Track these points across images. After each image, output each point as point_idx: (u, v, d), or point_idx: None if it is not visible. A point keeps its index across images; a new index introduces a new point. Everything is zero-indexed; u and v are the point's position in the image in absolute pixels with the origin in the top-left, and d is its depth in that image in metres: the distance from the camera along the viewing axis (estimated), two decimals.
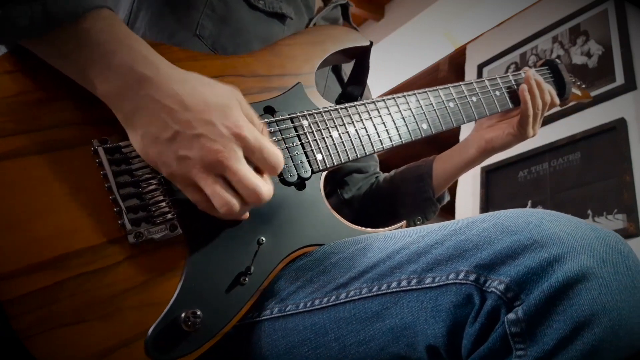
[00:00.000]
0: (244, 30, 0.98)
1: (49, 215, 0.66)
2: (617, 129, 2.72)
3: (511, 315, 0.54)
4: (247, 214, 0.76)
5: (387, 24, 3.93)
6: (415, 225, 1.27)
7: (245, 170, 0.69)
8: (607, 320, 0.53)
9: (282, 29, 1.05)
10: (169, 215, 0.73)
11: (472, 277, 0.59)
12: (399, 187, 1.30)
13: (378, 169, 1.41)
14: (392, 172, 1.36)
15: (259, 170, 0.72)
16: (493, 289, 0.56)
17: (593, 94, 2.87)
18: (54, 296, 0.64)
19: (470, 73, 3.84)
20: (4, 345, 0.64)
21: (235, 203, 0.69)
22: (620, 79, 2.84)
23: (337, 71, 1.22)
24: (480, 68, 3.76)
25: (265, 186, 0.70)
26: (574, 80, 1.39)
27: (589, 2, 3.23)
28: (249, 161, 0.70)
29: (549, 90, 1.28)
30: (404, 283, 0.66)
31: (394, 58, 3.95)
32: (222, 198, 0.68)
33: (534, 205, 3.00)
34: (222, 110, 0.69)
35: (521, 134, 1.24)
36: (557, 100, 1.31)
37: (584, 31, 3.20)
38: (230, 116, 0.69)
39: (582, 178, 2.81)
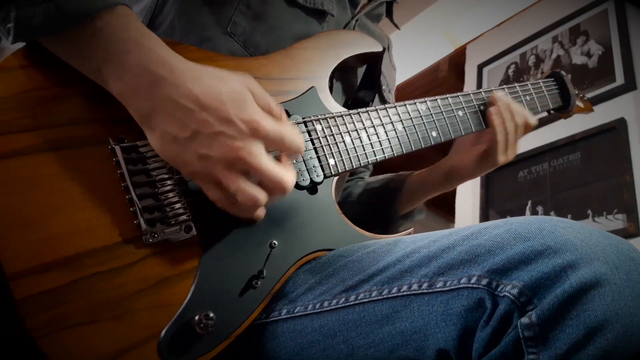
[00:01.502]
0: (278, 27, 0.98)
1: (63, 214, 0.67)
2: (617, 129, 2.72)
3: (524, 320, 0.55)
4: (263, 213, 0.77)
5: (387, 24, 3.92)
6: None
7: (268, 164, 0.69)
8: (620, 326, 0.53)
9: (320, 28, 1.04)
10: (184, 217, 0.73)
11: (484, 281, 0.60)
12: (369, 199, 1.30)
13: (365, 174, 1.40)
14: (372, 179, 1.35)
15: (280, 157, 0.73)
16: (506, 293, 0.57)
17: (593, 94, 2.87)
18: (67, 296, 0.65)
19: (470, 73, 3.84)
20: (17, 344, 0.64)
21: (260, 197, 0.70)
22: (620, 79, 2.84)
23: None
24: (480, 68, 3.75)
25: (287, 175, 0.71)
26: (577, 92, 1.40)
27: (589, 2, 3.23)
28: (269, 151, 0.71)
29: (521, 112, 1.17)
30: (414, 287, 0.66)
31: (394, 58, 3.95)
32: (247, 193, 0.69)
33: (534, 205, 3.00)
34: (238, 105, 0.69)
35: (493, 161, 1.15)
36: (532, 122, 1.19)
37: (584, 31, 3.20)
38: (247, 110, 0.69)
39: (582, 178, 2.81)
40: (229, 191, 0.69)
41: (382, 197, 1.28)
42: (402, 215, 1.28)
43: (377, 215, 1.28)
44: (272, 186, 0.70)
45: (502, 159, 1.15)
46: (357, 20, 1.14)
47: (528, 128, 1.19)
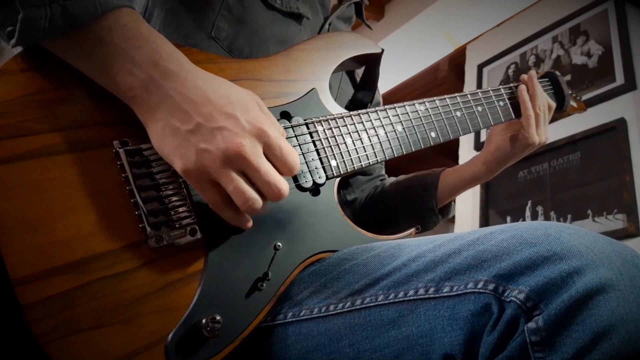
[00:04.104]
0: (259, 31, 0.98)
1: (69, 218, 0.66)
2: (617, 129, 2.72)
3: (531, 324, 0.55)
4: (250, 222, 0.76)
5: (387, 24, 3.93)
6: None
7: (267, 165, 0.69)
8: (626, 331, 0.53)
9: (298, 29, 1.05)
10: (189, 220, 0.73)
11: (491, 286, 0.60)
12: (403, 193, 1.30)
13: (383, 172, 1.41)
14: (400, 177, 1.36)
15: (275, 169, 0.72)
16: (513, 299, 0.57)
17: (593, 94, 2.88)
18: (74, 300, 0.64)
19: (470, 73, 3.84)
20: (24, 350, 0.64)
21: (258, 199, 0.69)
22: (620, 79, 2.84)
23: (350, 73, 1.22)
24: (480, 68, 3.76)
25: (284, 182, 0.70)
26: (571, 92, 1.40)
27: (589, 2, 3.23)
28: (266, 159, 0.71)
29: (543, 94, 1.29)
30: (421, 291, 0.67)
31: (394, 58, 3.96)
32: (245, 194, 0.68)
33: (534, 205, 3.00)
34: (244, 107, 0.69)
35: (526, 140, 1.21)
36: (552, 104, 1.30)
37: (584, 31, 3.20)
38: (252, 112, 0.70)
39: (582, 178, 2.82)
40: (226, 191, 0.69)
41: (419, 193, 1.28)
42: (439, 209, 1.29)
43: (416, 210, 1.28)
44: (268, 190, 0.69)
45: (536, 139, 1.22)
46: (330, 24, 1.14)
47: (551, 108, 1.28)
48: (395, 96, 4.40)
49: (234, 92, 0.71)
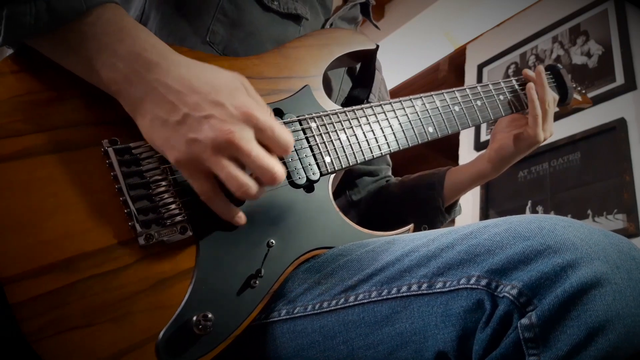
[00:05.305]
0: (256, 33, 0.98)
1: (58, 217, 0.66)
2: (617, 129, 2.72)
3: (524, 321, 0.54)
4: (243, 218, 0.75)
5: (387, 24, 3.93)
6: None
7: (258, 149, 0.68)
8: (622, 326, 0.52)
9: (297, 30, 1.04)
10: (180, 217, 0.73)
11: (484, 282, 0.59)
12: (409, 193, 1.29)
13: (389, 173, 1.40)
14: (405, 177, 1.36)
15: (269, 152, 0.71)
16: (505, 294, 0.56)
17: (593, 94, 2.87)
18: (63, 299, 0.64)
19: (470, 73, 3.83)
20: (13, 349, 0.63)
21: (252, 184, 0.68)
22: (620, 79, 2.83)
23: (352, 75, 1.21)
24: (480, 68, 3.75)
25: (278, 165, 0.70)
26: (574, 85, 1.39)
27: (589, 2, 3.23)
28: (259, 142, 0.70)
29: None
30: (414, 287, 0.66)
31: (394, 58, 3.95)
32: (238, 180, 0.67)
33: (534, 205, 3.00)
34: (230, 92, 0.69)
35: (531, 139, 1.21)
36: (555, 96, 1.29)
37: (584, 31, 3.19)
38: (238, 97, 0.69)
39: (582, 178, 2.81)
40: (219, 178, 0.68)
41: (426, 192, 1.28)
42: (445, 208, 1.29)
43: (422, 209, 1.27)
44: (261, 173, 0.69)
45: (541, 137, 1.21)
46: (331, 24, 1.13)
47: (554, 101, 1.27)
48: (395, 96, 4.38)
49: (219, 77, 0.70)
